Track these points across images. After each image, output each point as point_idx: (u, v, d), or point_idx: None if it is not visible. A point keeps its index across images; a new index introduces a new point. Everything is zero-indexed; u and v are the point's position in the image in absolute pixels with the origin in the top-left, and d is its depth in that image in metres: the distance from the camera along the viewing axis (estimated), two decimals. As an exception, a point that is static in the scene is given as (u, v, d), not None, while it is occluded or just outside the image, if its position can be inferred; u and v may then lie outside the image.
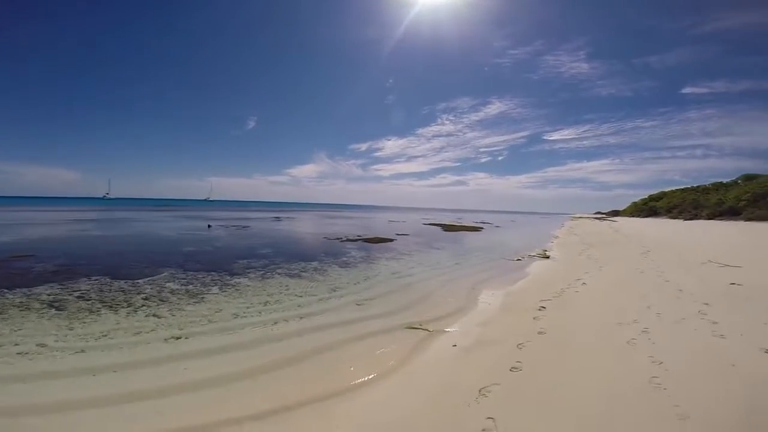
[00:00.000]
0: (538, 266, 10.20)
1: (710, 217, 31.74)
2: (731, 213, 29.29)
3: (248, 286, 7.15)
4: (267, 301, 6.09)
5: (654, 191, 59.81)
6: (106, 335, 4.46)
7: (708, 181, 42.66)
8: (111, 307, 5.56)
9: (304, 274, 8.45)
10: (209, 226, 22.69)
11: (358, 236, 18.21)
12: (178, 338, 4.43)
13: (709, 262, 8.77)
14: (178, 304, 5.84)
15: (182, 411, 2.88)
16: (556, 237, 22.01)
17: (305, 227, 25.85)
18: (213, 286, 7.10)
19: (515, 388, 3.00)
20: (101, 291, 6.45)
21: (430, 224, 33.38)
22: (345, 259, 10.94)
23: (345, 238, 17.00)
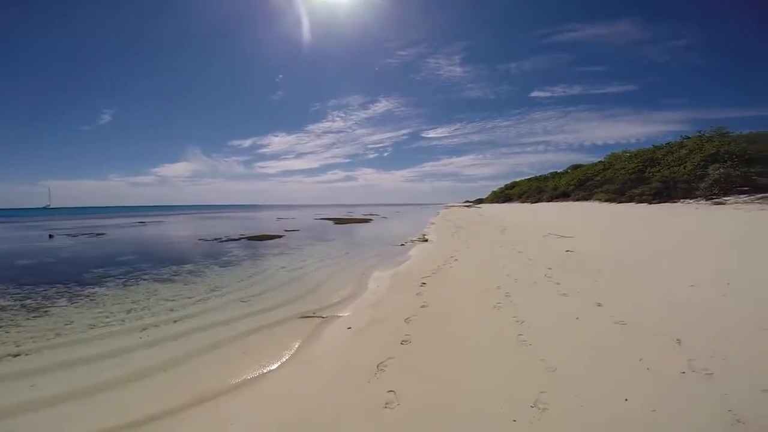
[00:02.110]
0: (418, 249, 11.00)
1: (549, 199, 39.02)
2: (564, 195, 36.53)
3: (106, 295, 6.23)
4: (131, 309, 5.40)
5: (508, 181, 70.35)
6: None
7: (547, 171, 52.19)
8: None
9: (176, 277, 7.61)
10: (51, 236, 18.76)
11: (241, 235, 17.02)
12: (16, 356, 3.76)
13: (549, 235, 10.66)
14: (12, 320, 4.90)
15: (36, 428, 2.55)
16: (433, 223, 24.02)
17: (177, 230, 23.14)
18: (59, 298, 6.02)
19: (408, 359, 3.21)
20: None
21: (320, 219, 33.10)
22: (226, 258, 10.15)
23: (226, 238, 15.69)
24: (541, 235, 10.83)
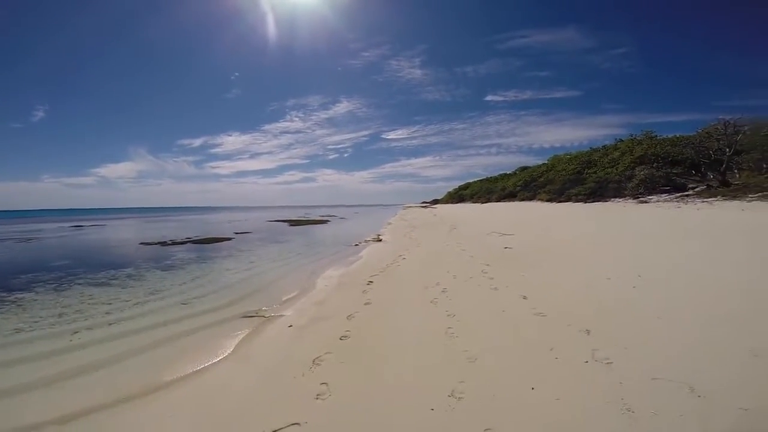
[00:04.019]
0: (371, 249, 11.13)
1: (498, 199, 40.97)
2: (511, 195, 38.53)
3: (35, 300, 5.92)
4: (63, 313, 5.17)
5: (463, 182, 72.95)
6: None
7: (498, 173, 54.78)
8: None
9: (113, 281, 7.28)
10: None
11: (187, 238, 16.26)
12: None
13: (492, 233, 11.21)
14: None
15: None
16: (390, 223, 24.30)
17: (117, 234, 21.66)
18: (-23, 306, 5.55)
19: (345, 354, 3.32)
20: None
21: (275, 221, 32.33)
22: (169, 262, 9.73)
23: (170, 242, 14.91)
24: (485, 234, 11.36)
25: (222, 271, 8.30)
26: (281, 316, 4.77)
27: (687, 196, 17.80)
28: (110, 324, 4.68)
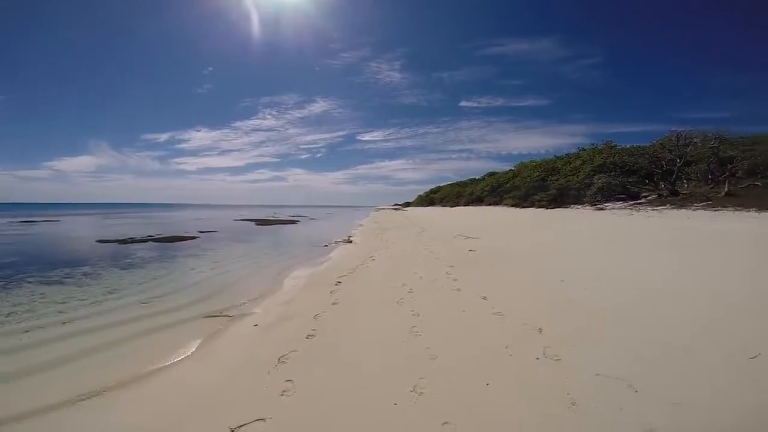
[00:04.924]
0: (341, 250, 11.14)
1: (466, 203, 41.91)
2: (478, 200, 39.54)
3: None
4: (12, 312, 4.95)
5: (434, 186, 73.94)
6: None
7: (467, 178, 56.11)
8: None
9: (68, 280, 6.96)
10: None
11: (149, 236, 15.60)
12: None
13: (459, 236, 11.50)
14: None
15: None
16: (361, 225, 24.38)
17: (72, 230, 20.54)
18: None
19: (311, 352, 3.36)
20: None
21: (243, 220, 31.57)
22: (128, 260, 9.36)
23: (129, 240, 14.28)
24: (452, 237, 11.64)
25: (185, 270, 8.10)
26: (246, 315, 4.74)
27: (640, 204, 18.98)
28: (64, 323, 4.51)
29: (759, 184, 17.20)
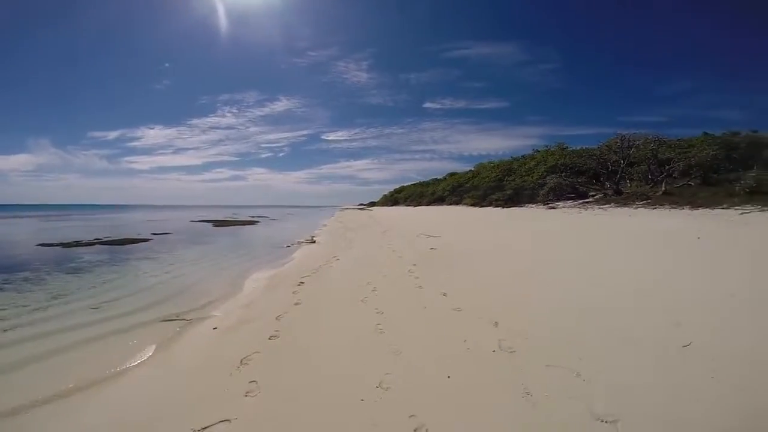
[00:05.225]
0: (304, 250, 11.00)
1: (428, 203, 42.74)
2: (440, 200, 40.44)
3: None
4: None
5: (398, 185, 74.60)
6: None
7: (430, 178, 57.19)
8: None
9: (7, 286, 6.48)
10: None
11: (96, 239, 14.60)
12: None
13: (421, 235, 11.72)
14: None
15: None
16: (325, 225, 24.15)
17: (10, 233, 18.97)
18: None
19: (274, 353, 3.34)
20: None
21: (199, 221, 30.30)
22: (74, 265, 8.76)
23: (74, 243, 13.32)
24: (414, 235, 11.84)
25: (138, 273, 7.71)
26: (205, 318, 4.62)
27: (588, 203, 20.30)
28: (5, 330, 4.22)
29: (692, 183, 18.92)
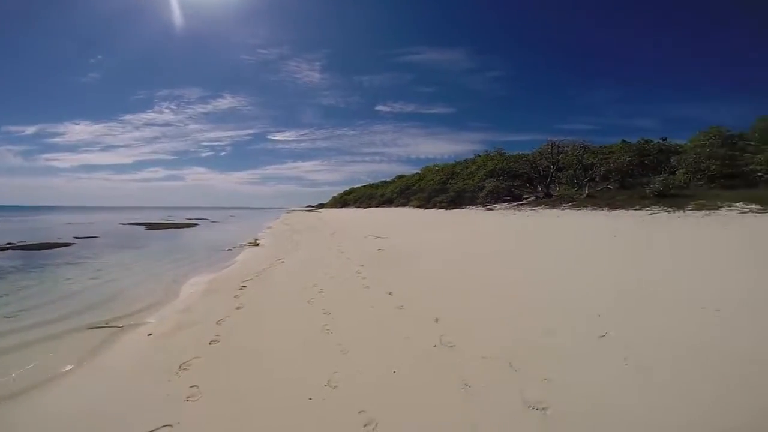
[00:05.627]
0: (247, 253, 10.62)
1: (377, 205, 43.27)
2: (388, 201, 41.15)
3: None
4: None
5: (348, 187, 74.37)
6: None
7: (379, 180, 57.86)
8: None
9: None
10: None
11: (8, 244, 12.85)
12: None
13: (369, 236, 11.88)
14: None
15: None
16: (270, 227, 23.38)
17: None
18: None
19: (216, 357, 3.27)
20: None
21: (130, 224, 27.84)
22: None
23: None
24: (363, 237, 11.98)
25: (59, 280, 7.00)
26: (139, 325, 4.37)
27: (522, 205, 21.90)
28: None
29: (611, 187, 21.18)
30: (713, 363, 2.71)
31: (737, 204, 12.58)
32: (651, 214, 13.47)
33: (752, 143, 18.32)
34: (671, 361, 2.76)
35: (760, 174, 16.23)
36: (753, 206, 12.05)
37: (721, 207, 12.61)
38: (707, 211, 12.36)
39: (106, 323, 4.41)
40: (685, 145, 21.39)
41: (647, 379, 2.54)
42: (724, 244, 7.75)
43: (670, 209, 13.64)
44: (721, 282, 4.72)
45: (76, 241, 14.54)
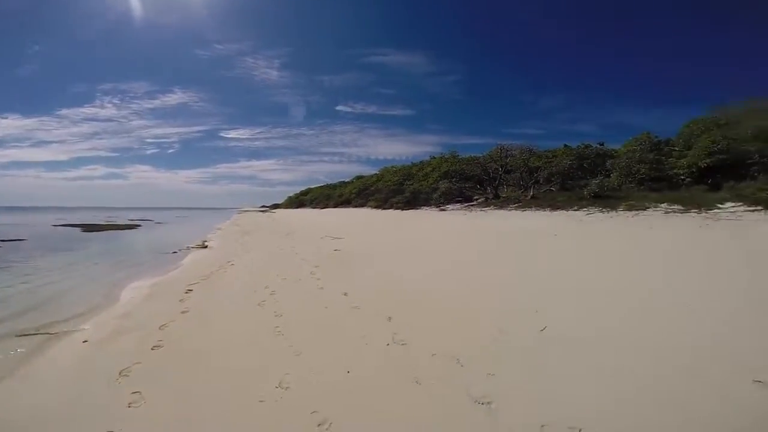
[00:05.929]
0: (194, 256, 10.13)
1: (335, 205, 42.97)
2: (347, 202, 41.03)
3: None
4: None
5: (305, 187, 72.98)
6: None
7: (338, 180, 57.40)
8: None
9: None
10: None
11: None
12: None
13: (326, 237, 11.79)
14: None
15: None
16: (220, 229, 22.35)
17: None
18: None
19: (159, 363, 3.15)
20: None
21: (65, 225, 25.48)
22: None
23: None
24: (319, 238, 11.87)
25: None
26: (73, 332, 4.10)
27: (472, 206, 22.87)
28: None
29: (553, 189, 22.67)
30: (633, 341, 3.06)
31: (662, 205, 14.05)
32: (588, 214, 14.68)
33: (677, 149, 20.13)
34: (612, 350, 3.03)
35: (682, 177, 18.05)
36: (676, 207, 13.53)
37: (648, 208, 14.03)
38: (636, 212, 13.71)
39: (38, 330, 4.11)
40: (619, 150, 23.42)
41: (588, 369, 2.76)
42: (650, 242, 8.68)
43: (604, 209, 14.94)
44: (647, 276, 5.31)
45: (1, 244, 13.01)
